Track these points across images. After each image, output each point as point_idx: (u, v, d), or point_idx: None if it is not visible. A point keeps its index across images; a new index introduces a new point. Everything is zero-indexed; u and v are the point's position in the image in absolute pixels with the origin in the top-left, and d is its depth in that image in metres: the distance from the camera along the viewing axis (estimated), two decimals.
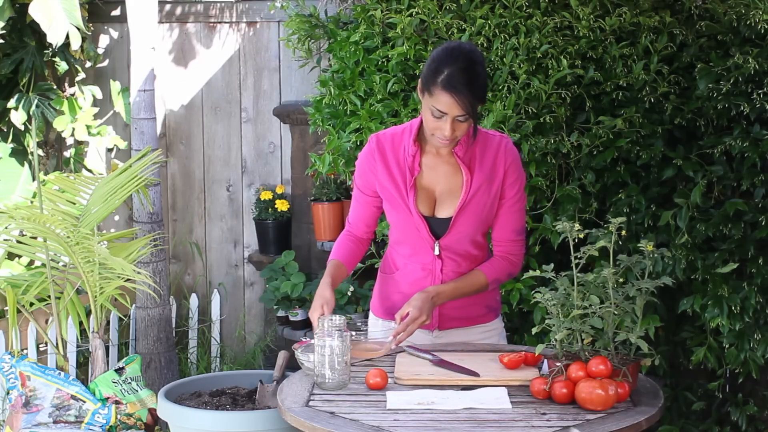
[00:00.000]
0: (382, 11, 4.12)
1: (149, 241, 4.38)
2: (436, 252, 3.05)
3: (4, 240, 4.23)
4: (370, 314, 3.27)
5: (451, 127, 2.86)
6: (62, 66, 5.35)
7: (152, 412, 3.68)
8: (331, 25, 4.40)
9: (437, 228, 3.04)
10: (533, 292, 2.76)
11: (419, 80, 2.93)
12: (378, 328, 3.16)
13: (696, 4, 3.92)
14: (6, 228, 3.84)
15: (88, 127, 5.34)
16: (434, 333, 3.15)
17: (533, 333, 2.90)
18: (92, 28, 5.52)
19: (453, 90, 2.81)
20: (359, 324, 3.12)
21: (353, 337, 2.91)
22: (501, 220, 3.07)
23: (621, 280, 2.72)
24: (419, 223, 3.03)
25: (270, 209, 5.28)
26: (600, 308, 2.65)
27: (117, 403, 3.62)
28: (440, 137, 2.90)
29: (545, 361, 2.77)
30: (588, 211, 3.85)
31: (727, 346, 3.76)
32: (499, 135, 3.06)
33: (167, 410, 3.40)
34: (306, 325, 5.13)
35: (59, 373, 3.65)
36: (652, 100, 3.84)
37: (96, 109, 5.39)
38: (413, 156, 3.01)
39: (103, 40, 5.61)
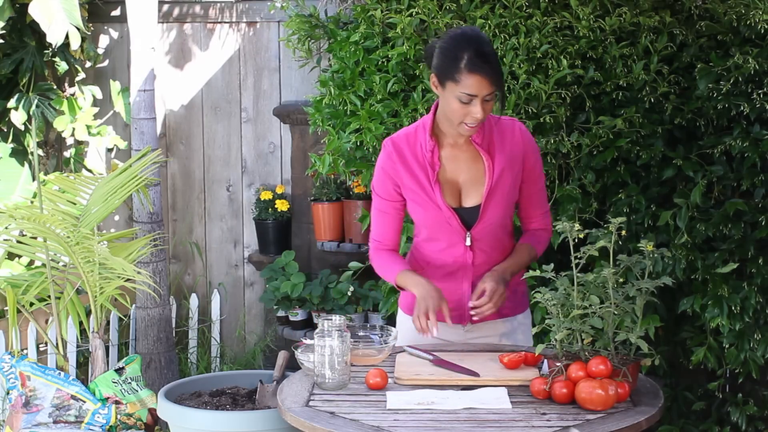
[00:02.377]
0: (382, 11, 4.12)
1: (149, 241, 4.38)
2: (468, 243, 3.07)
3: (4, 240, 4.23)
4: (399, 312, 3.26)
5: (482, 109, 2.91)
6: (62, 66, 5.35)
7: (152, 412, 3.68)
8: (331, 25, 4.40)
9: (467, 217, 3.06)
10: (533, 292, 2.76)
11: (433, 75, 2.97)
12: (407, 326, 3.16)
13: (696, 4, 3.92)
14: (6, 228, 3.84)
15: (88, 127, 5.34)
16: (466, 327, 3.16)
17: (533, 333, 2.90)
18: (92, 28, 5.52)
19: (479, 70, 2.88)
20: (357, 327, 3.11)
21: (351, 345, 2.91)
22: (533, 198, 3.14)
23: (621, 280, 2.72)
24: (449, 216, 3.05)
25: (270, 209, 5.28)
26: (600, 308, 2.65)
27: (117, 403, 3.63)
28: (470, 122, 2.93)
29: (545, 361, 2.77)
30: (588, 211, 3.85)
31: (727, 346, 3.76)
32: (510, 119, 3.13)
33: (167, 410, 3.40)
34: (306, 325, 5.14)
35: (59, 373, 3.65)
36: (652, 100, 3.84)
37: (96, 109, 5.39)
38: (432, 151, 3.03)
39: (103, 40, 5.61)
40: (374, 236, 3.19)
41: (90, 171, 5.45)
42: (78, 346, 4.87)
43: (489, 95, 2.91)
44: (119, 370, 3.70)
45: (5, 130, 5.33)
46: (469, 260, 3.09)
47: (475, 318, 3.02)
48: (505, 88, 3.02)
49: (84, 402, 3.60)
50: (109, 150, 5.56)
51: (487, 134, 3.04)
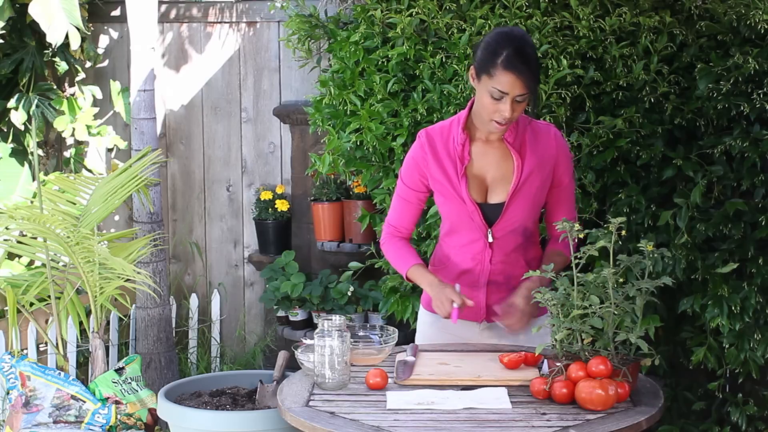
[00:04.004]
0: (382, 11, 4.12)
1: (149, 241, 4.38)
2: (489, 240, 3.08)
3: (4, 240, 4.23)
4: (420, 309, 3.28)
5: (511, 108, 2.92)
6: (62, 66, 5.35)
7: (152, 412, 3.68)
8: (331, 25, 4.40)
9: (490, 214, 3.07)
10: (533, 291, 2.77)
11: (472, 67, 2.99)
12: (427, 323, 3.21)
13: (696, 4, 3.92)
14: (6, 228, 3.84)
15: (88, 127, 5.34)
16: (481, 325, 3.16)
17: (533, 333, 2.89)
18: (92, 28, 5.52)
19: (514, 69, 2.89)
20: (357, 327, 3.12)
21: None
22: (561, 205, 3.14)
23: (621, 280, 2.72)
24: (473, 210, 3.06)
25: (270, 209, 5.28)
26: (600, 308, 2.65)
27: (117, 403, 3.63)
28: (499, 120, 2.95)
29: (545, 361, 2.77)
30: (588, 211, 3.85)
31: (727, 346, 3.76)
32: (546, 123, 3.14)
33: (167, 410, 3.40)
34: (306, 325, 5.14)
35: (59, 373, 3.65)
36: (652, 100, 3.84)
37: (96, 109, 5.39)
38: (462, 145, 3.05)
39: (103, 40, 5.61)
40: (390, 221, 3.21)
41: (90, 171, 5.45)
42: (78, 346, 4.87)
43: (521, 96, 2.92)
44: (119, 370, 3.70)
45: (5, 130, 5.33)
46: (488, 258, 3.10)
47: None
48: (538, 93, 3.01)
49: (84, 402, 3.60)
50: (109, 150, 5.56)
51: (519, 134, 3.06)
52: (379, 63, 4.12)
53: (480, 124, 3.04)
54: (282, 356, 3.47)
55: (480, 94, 2.97)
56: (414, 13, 4.03)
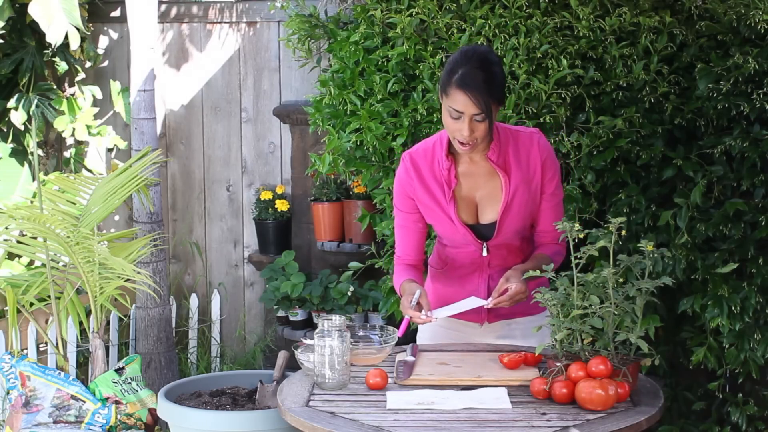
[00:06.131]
0: (382, 11, 4.12)
1: (149, 241, 4.38)
2: (484, 253, 3.07)
3: (4, 240, 4.23)
4: None
5: (469, 128, 2.87)
6: (62, 66, 5.35)
7: (152, 412, 3.68)
8: (331, 25, 4.40)
9: (484, 232, 3.06)
10: (533, 291, 2.77)
11: (438, 86, 2.93)
12: (424, 325, 3.19)
13: (696, 4, 3.92)
14: (6, 228, 3.84)
15: (88, 127, 5.34)
16: (483, 326, 3.16)
17: (533, 333, 2.89)
18: (92, 28, 5.52)
19: (467, 88, 2.84)
20: (357, 327, 3.12)
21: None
22: (546, 214, 3.09)
23: (621, 280, 2.72)
24: (465, 232, 3.05)
25: (270, 209, 5.28)
26: (600, 308, 2.66)
27: (117, 403, 3.63)
28: (460, 139, 2.91)
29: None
30: (588, 211, 3.84)
31: (727, 346, 3.76)
32: (530, 131, 3.07)
33: (167, 410, 3.40)
34: (306, 325, 5.14)
35: (59, 373, 3.65)
36: (652, 100, 3.84)
37: (96, 109, 5.39)
38: (448, 169, 3.01)
39: (103, 41, 5.61)
40: (396, 252, 3.19)
41: (90, 171, 5.45)
42: (78, 346, 4.87)
43: (478, 115, 2.86)
44: (119, 370, 3.70)
45: (5, 130, 5.33)
46: (486, 262, 3.10)
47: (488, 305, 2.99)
48: (493, 111, 2.92)
49: (84, 402, 3.60)
50: (109, 150, 5.56)
51: (503, 150, 3.02)
52: (379, 63, 4.12)
53: (453, 142, 3.00)
54: (282, 356, 3.47)
55: (443, 112, 2.93)
56: (414, 13, 4.03)
